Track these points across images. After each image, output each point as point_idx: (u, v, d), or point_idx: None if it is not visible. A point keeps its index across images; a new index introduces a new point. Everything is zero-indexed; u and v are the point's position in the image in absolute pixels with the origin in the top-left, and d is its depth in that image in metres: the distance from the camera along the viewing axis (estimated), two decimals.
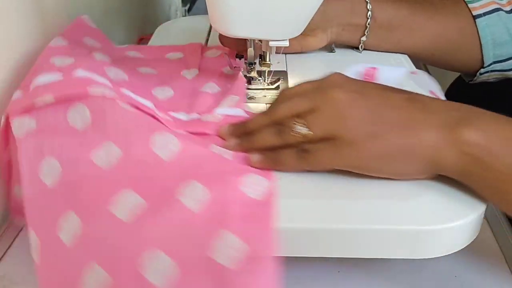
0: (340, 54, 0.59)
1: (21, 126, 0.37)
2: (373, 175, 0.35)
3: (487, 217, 0.45)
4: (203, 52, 0.57)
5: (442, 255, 0.35)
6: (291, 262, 0.33)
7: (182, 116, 0.43)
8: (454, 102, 0.36)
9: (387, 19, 0.56)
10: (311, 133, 0.35)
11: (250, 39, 0.48)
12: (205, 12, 0.48)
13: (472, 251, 0.39)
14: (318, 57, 0.59)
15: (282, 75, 0.54)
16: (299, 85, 0.40)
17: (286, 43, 0.46)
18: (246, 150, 0.38)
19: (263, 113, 0.40)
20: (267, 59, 0.50)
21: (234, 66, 0.51)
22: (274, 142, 0.37)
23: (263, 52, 0.49)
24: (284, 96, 0.40)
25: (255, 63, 0.51)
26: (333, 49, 0.61)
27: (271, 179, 0.35)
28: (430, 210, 0.34)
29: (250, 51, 0.49)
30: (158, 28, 0.69)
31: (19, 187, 0.36)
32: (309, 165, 0.36)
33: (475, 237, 0.36)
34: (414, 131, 0.33)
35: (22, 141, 0.36)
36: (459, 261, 0.41)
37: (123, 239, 0.31)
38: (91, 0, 0.68)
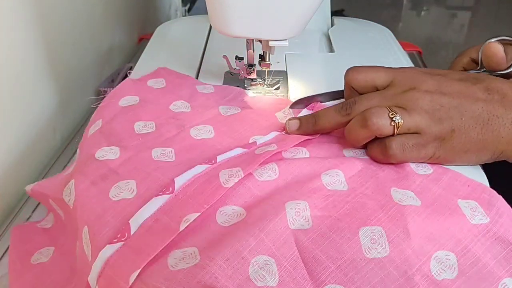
0: (340, 54, 0.59)
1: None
2: (447, 164, 0.38)
3: None
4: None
5: None
6: None
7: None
8: None
9: None
10: (402, 122, 0.36)
11: (250, 39, 0.48)
12: (205, 12, 0.48)
13: None
14: (318, 57, 0.59)
15: (282, 75, 0.54)
16: (368, 71, 0.40)
17: (286, 43, 0.46)
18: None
19: (337, 109, 0.39)
20: (267, 59, 0.50)
21: (234, 68, 0.51)
22: (361, 136, 0.38)
23: (263, 52, 0.49)
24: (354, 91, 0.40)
25: (254, 64, 0.51)
26: (333, 49, 0.61)
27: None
28: None
29: (250, 53, 0.49)
30: (158, 28, 0.69)
31: None
32: (396, 158, 0.37)
33: None
34: (493, 127, 0.36)
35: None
36: None
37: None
38: (91, 0, 0.68)
